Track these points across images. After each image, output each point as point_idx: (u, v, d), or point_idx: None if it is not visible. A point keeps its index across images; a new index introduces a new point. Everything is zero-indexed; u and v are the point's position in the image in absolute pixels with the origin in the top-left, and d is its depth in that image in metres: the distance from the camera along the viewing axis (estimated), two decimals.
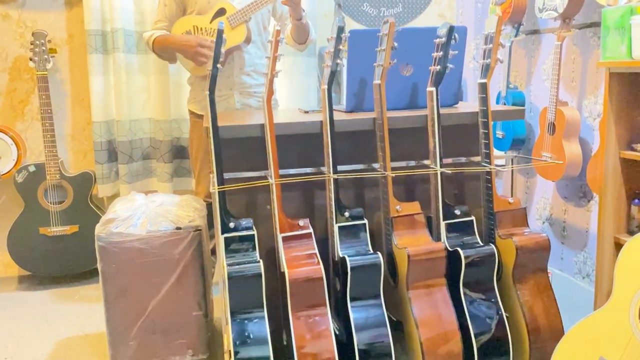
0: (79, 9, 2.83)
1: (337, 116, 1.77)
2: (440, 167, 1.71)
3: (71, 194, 2.77)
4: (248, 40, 2.35)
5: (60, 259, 2.79)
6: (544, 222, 2.87)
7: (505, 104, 2.87)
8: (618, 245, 1.94)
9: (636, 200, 1.91)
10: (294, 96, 3.04)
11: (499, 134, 2.90)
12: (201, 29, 2.32)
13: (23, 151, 2.75)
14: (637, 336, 1.22)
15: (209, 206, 2.47)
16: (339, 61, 1.65)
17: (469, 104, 2.15)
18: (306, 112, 2.06)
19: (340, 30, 1.63)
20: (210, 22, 2.32)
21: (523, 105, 2.89)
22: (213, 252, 2.36)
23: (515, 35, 2.80)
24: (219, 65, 1.59)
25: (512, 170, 2.96)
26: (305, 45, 2.53)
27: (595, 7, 2.37)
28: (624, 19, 1.76)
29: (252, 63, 2.44)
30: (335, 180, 1.65)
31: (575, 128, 2.47)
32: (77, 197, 2.78)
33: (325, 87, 1.67)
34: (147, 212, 1.91)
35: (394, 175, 1.66)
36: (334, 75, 1.67)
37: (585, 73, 2.49)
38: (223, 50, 1.59)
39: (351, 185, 1.86)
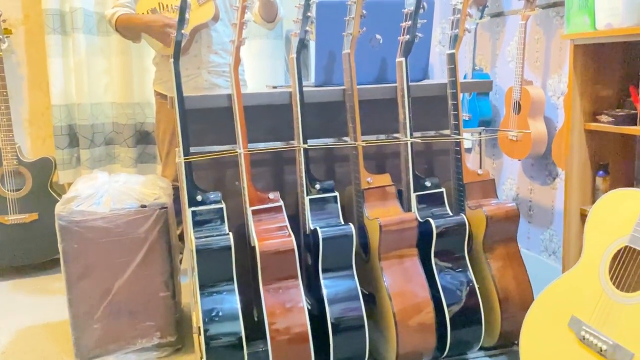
0: None
1: (307, 89, 1.74)
2: (411, 138, 1.70)
3: (30, 181, 2.66)
4: (216, 17, 2.30)
5: (20, 248, 2.68)
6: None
7: None
8: (584, 217, 1.97)
9: (601, 172, 1.95)
10: (262, 79, 3.00)
11: (466, 116, 2.92)
12: (167, 6, 2.26)
13: None
14: (607, 292, 1.23)
15: (177, 190, 2.41)
16: (307, 29, 1.62)
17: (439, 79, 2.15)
18: (274, 87, 2.02)
19: None
20: None
21: (487, 79, 2.91)
22: (181, 237, 2.30)
23: (480, 18, 2.83)
24: (183, 32, 1.54)
25: (481, 146, 2.98)
26: (274, 23, 2.49)
27: None
28: None
29: (220, 41, 2.39)
30: (306, 151, 1.63)
31: (540, 106, 2.50)
32: (36, 184, 2.67)
33: (294, 56, 1.64)
34: (110, 190, 1.84)
35: (364, 145, 1.64)
36: (302, 43, 1.64)
37: (549, 52, 2.53)
38: (188, 15, 1.54)
39: (322, 160, 1.84)
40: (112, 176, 1.99)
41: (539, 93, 2.49)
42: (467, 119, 2.93)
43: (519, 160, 2.77)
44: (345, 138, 1.82)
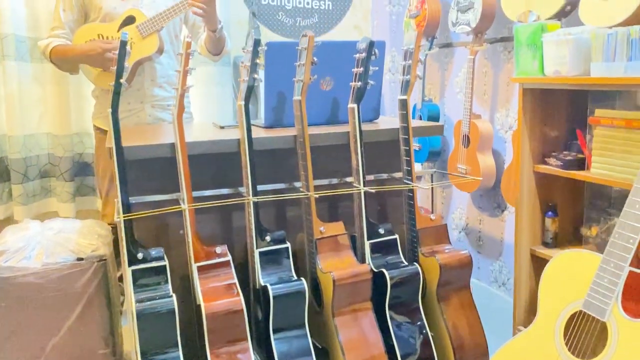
0: None
1: (256, 133, 1.67)
2: (364, 185, 1.65)
3: None
4: (160, 50, 2.19)
5: None
6: (460, 232, 2.92)
7: (421, 117, 2.90)
8: (534, 257, 1.99)
9: (550, 213, 1.96)
10: (209, 107, 2.90)
11: (416, 146, 2.92)
12: (107, 37, 2.13)
13: None
14: (563, 357, 1.21)
15: (116, 229, 2.28)
16: (256, 76, 1.55)
17: (389, 119, 2.13)
18: (222, 127, 1.94)
19: (257, 43, 1.54)
20: (118, 31, 2.14)
21: (438, 118, 2.93)
22: (121, 278, 2.17)
23: (429, 49, 2.83)
24: (122, 81, 1.44)
25: (433, 191, 2.99)
26: (220, 56, 2.40)
27: (506, 23, 2.43)
28: (535, 36, 1.80)
29: (165, 74, 2.29)
30: (256, 203, 1.55)
31: (488, 140, 2.52)
32: None
33: (242, 103, 1.57)
34: (42, 241, 1.70)
35: (317, 196, 1.58)
36: (251, 90, 1.57)
37: (497, 86, 2.56)
38: (127, 64, 1.45)
39: (271, 205, 1.77)
40: (46, 223, 1.85)
41: (487, 127, 2.51)
42: (417, 149, 2.93)
43: (469, 193, 2.79)
44: (296, 183, 1.76)
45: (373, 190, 1.61)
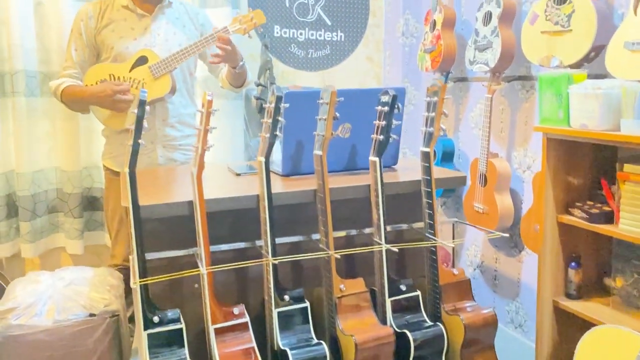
0: None
1: (274, 183, 1.62)
2: (385, 241, 1.60)
3: None
4: (173, 90, 2.16)
5: None
6: (475, 269, 2.86)
7: (435, 151, 2.85)
8: (557, 309, 1.93)
9: (573, 264, 1.91)
10: (220, 141, 2.84)
11: None
12: (119, 78, 2.10)
13: None
14: None
15: (127, 271, 2.23)
16: (277, 133, 1.51)
17: (407, 162, 2.08)
18: (238, 174, 1.89)
19: (279, 100, 1.49)
20: (130, 71, 2.10)
21: (453, 152, 2.89)
22: (131, 319, 2.12)
23: (444, 83, 2.79)
24: (140, 141, 1.40)
25: (453, 236, 2.93)
26: (242, 88, 2.39)
27: (524, 61, 2.38)
28: (561, 86, 1.75)
29: (177, 113, 2.25)
30: (275, 265, 1.50)
31: (506, 180, 2.47)
32: None
33: (263, 159, 1.52)
34: (54, 296, 1.65)
35: (338, 256, 1.53)
36: (272, 147, 1.52)
37: (515, 125, 2.51)
38: (145, 124, 1.40)
39: (287, 254, 1.72)
40: (56, 273, 1.80)
41: (505, 167, 2.46)
42: None
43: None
44: (314, 235, 1.71)
45: (396, 250, 1.56)
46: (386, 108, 1.58)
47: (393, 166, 1.97)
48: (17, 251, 2.59)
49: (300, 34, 3.11)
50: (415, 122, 3.20)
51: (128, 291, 2.12)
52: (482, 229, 2.50)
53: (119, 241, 2.26)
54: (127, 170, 1.40)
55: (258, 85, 2.87)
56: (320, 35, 3.14)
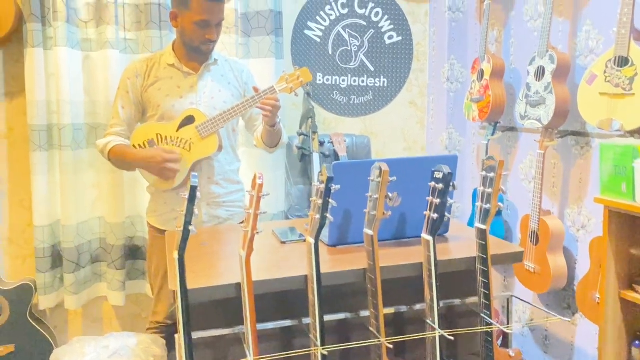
0: (21, 101, 2.55)
1: (321, 256, 1.56)
2: (439, 324, 1.52)
3: (7, 310, 2.43)
4: (220, 149, 2.14)
5: None
6: (524, 327, 2.74)
7: None
8: None
9: (637, 342, 1.79)
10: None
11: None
12: (166, 137, 2.09)
13: None
14: None
15: (169, 328, 2.21)
16: (327, 215, 1.45)
17: (460, 229, 2.00)
18: (283, 242, 1.85)
19: (330, 180, 1.45)
20: (177, 131, 2.09)
21: (502, 203, 2.78)
22: None
23: (492, 134, 2.71)
24: (191, 227, 1.37)
25: (507, 311, 2.81)
26: (276, 148, 2.35)
27: (578, 116, 2.29)
28: (624, 158, 1.66)
29: (222, 171, 2.23)
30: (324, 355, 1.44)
31: (559, 240, 2.36)
32: (14, 313, 2.44)
33: (313, 241, 1.47)
34: None
35: (390, 346, 1.46)
36: (322, 228, 1.47)
37: (568, 181, 2.41)
38: (196, 211, 1.37)
39: (334, 332, 1.66)
40: (100, 341, 1.78)
41: (558, 226, 2.35)
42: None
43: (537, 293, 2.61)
44: (362, 312, 1.64)
45: (452, 338, 1.48)
46: (440, 186, 1.51)
47: (444, 234, 1.90)
48: (60, 301, 2.60)
49: (343, 80, 3.08)
50: (460, 170, 3.12)
51: (171, 345, 2.09)
52: (541, 309, 2.39)
53: (162, 298, 2.24)
54: (176, 256, 1.37)
55: (300, 134, 2.85)
56: (362, 82, 3.11)
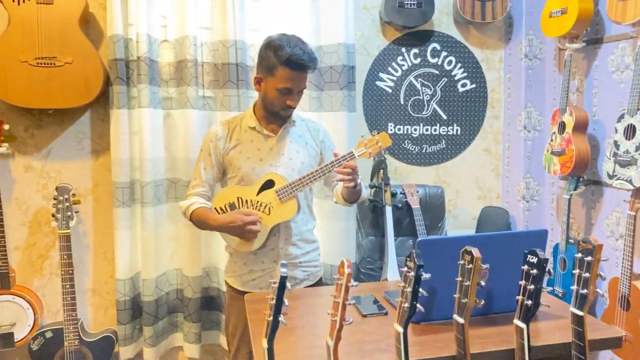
0: (106, 158, 2.66)
1: (410, 343, 1.53)
2: None
3: None
4: (298, 211, 2.15)
5: None
6: None
7: (565, 260, 2.64)
8: None
9: None
10: (332, 241, 2.79)
11: (559, 291, 2.65)
12: (246, 201, 2.13)
13: (40, 314, 2.52)
14: None
15: None
16: (417, 304, 1.42)
17: (550, 301, 1.90)
18: (364, 315, 1.82)
19: (419, 268, 1.41)
20: (257, 195, 2.12)
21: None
22: None
23: (575, 189, 2.59)
24: (281, 318, 1.37)
25: None
26: (356, 203, 2.33)
27: None
28: None
29: (299, 232, 2.23)
30: None
31: None
32: None
33: (402, 330, 1.44)
34: None
35: None
36: (410, 318, 1.43)
37: None
38: (286, 301, 1.37)
39: None
40: None
41: None
42: (561, 295, 2.65)
43: None
44: None
45: None
46: (535, 271, 1.45)
47: None
48: (139, 351, 2.67)
49: (415, 129, 3.04)
50: (538, 220, 3.00)
51: None
52: None
53: (239, 358, 2.25)
54: (265, 345, 1.37)
55: (372, 186, 2.83)
56: (435, 130, 3.06)
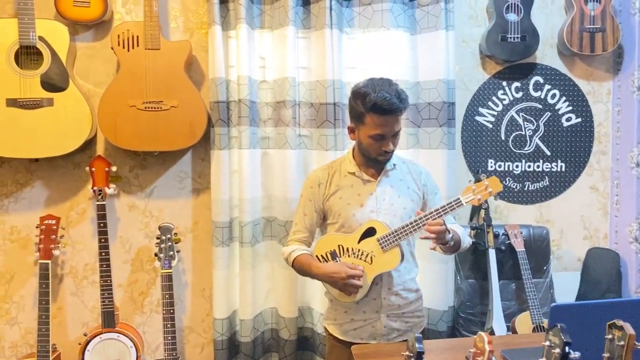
0: (206, 197, 2.70)
1: None
2: None
3: None
4: (402, 260, 2.08)
5: None
6: None
7: None
8: None
9: None
10: (430, 284, 2.68)
11: None
12: (347, 249, 2.07)
13: (142, 351, 2.56)
14: None
15: None
16: None
17: None
18: None
19: (567, 345, 1.29)
20: (359, 243, 2.06)
21: None
22: None
23: None
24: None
25: None
26: (456, 252, 2.23)
27: None
28: None
29: (402, 281, 2.15)
30: None
31: None
32: None
33: None
34: None
35: None
36: None
37: None
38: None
39: None
40: None
41: None
42: None
43: None
44: None
45: None
46: None
47: None
48: None
49: (517, 166, 2.90)
50: None
51: None
52: None
53: None
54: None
55: (473, 227, 2.71)
56: (538, 167, 2.91)
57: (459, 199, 2.02)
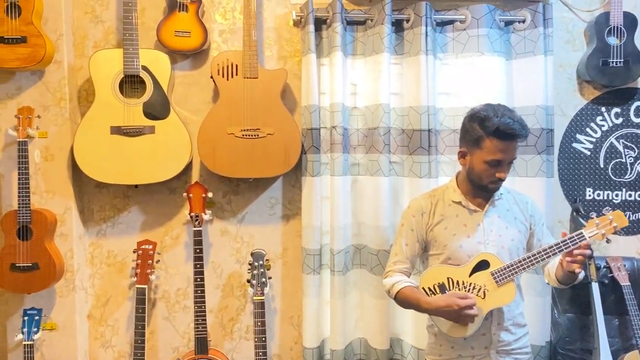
0: (296, 222, 2.69)
1: None
2: None
3: None
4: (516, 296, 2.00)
5: None
6: None
7: None
8: None
9: None
10: (526, 318, 2.57)
11: None
12: (457, 282, 2.01)
13: None
14: None
15: None
16: None
17: None
18: None
19: None
20: (470, 276, 2.00)
21: None
22: None
23: None
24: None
25: None
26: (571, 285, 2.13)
27: None
28: None
29: (511, 316, 2.07)
30: None
31: None
32: None
33: None
34: None
35: None
36: None
37: None
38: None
39: None
40: None
41: None
42: None
43: None
44: None
45: None
46: None
47: None
48: None
49: (616, 195, 2.78)
50: None
51: None
52: None
53: None
54: None
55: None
56: (639, 196, 2.77)
57: (581, 233, 1.93)
